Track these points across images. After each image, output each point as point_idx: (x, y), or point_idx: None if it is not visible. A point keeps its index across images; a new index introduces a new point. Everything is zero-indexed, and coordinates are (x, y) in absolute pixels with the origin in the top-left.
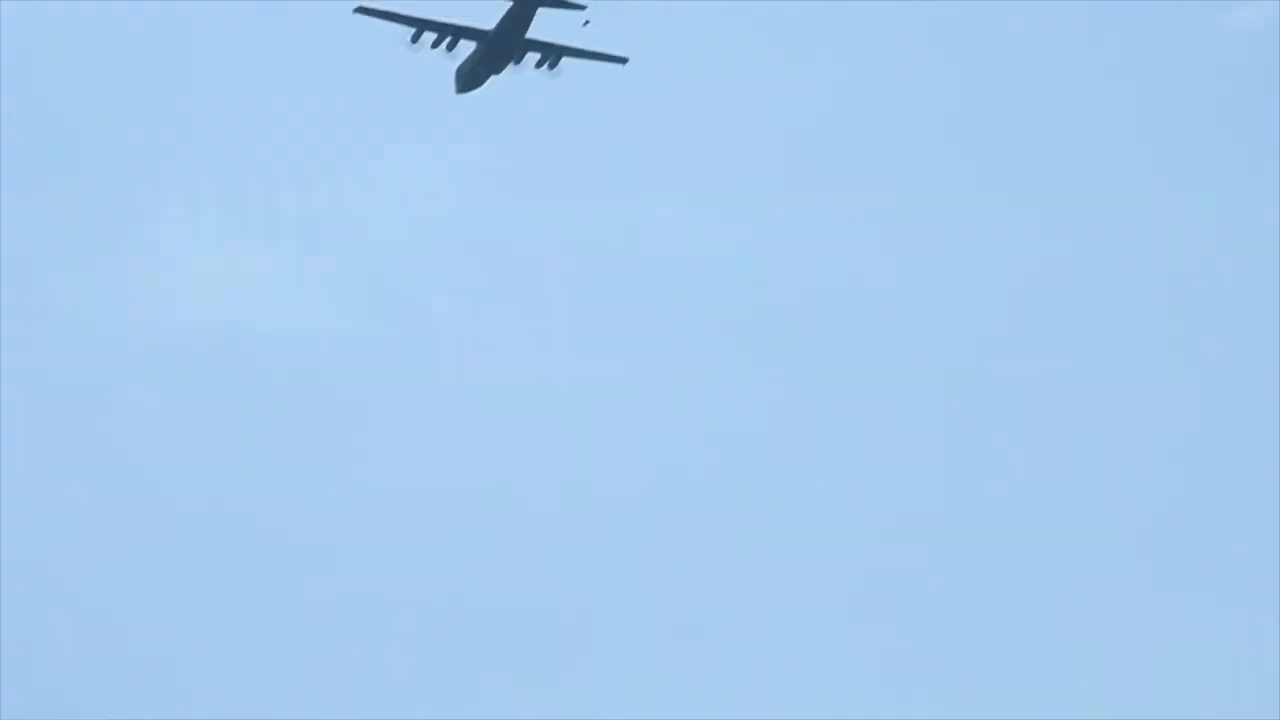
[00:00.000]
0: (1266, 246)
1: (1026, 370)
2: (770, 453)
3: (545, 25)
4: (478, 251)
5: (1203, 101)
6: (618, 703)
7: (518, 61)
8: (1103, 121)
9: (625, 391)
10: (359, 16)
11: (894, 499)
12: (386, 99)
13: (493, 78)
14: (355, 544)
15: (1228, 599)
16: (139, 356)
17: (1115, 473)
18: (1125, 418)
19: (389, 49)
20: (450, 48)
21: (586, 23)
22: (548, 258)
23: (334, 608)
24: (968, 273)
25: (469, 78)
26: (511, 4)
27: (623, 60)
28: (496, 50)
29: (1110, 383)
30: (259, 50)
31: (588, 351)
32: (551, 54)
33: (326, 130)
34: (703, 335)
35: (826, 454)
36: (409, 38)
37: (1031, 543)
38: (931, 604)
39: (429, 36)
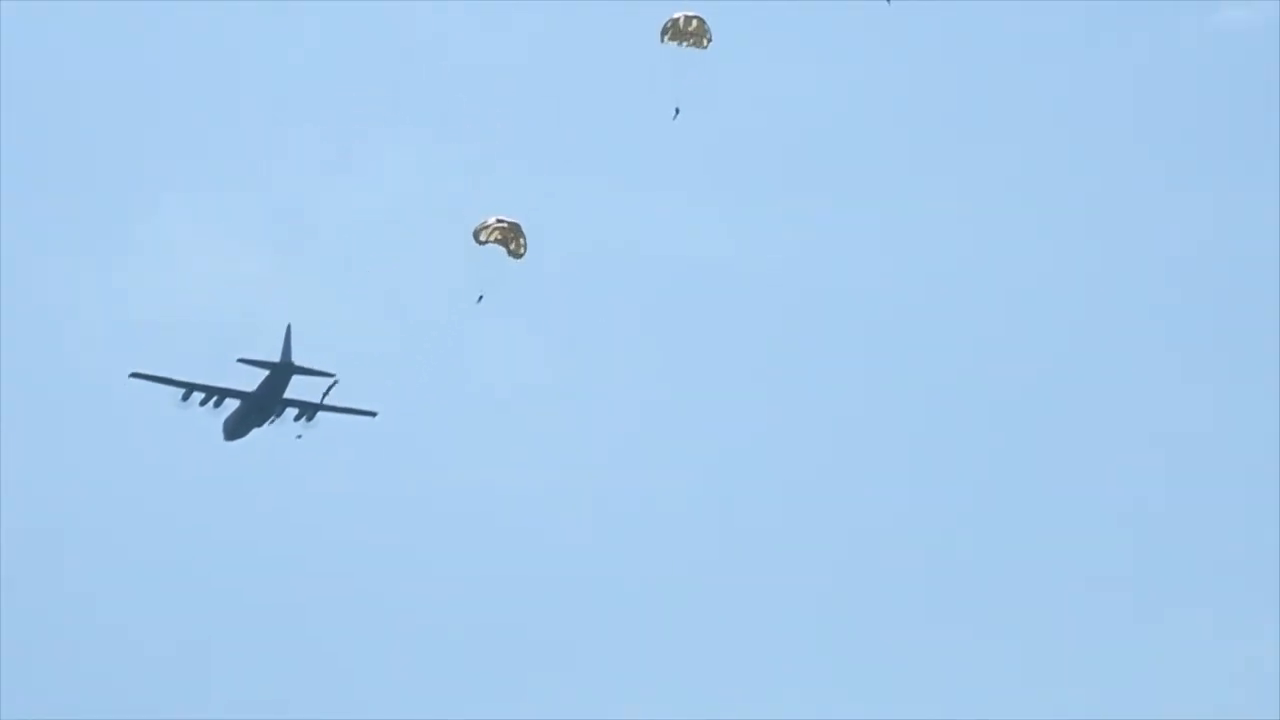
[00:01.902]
0: (1263, 245)
1: (1025, 370)
2: (771, 453)
3: (301, 385)
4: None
5: (1195, 101)
6: (617, 703)
7: (278, 416)
8: (1096, 120)
9: (625, 392)
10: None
11: (894, 500)
12: None
13: (256, 429)
14: (353, 544)
15: (1227, 599)
16: (132, 355)
17: (1116, 473)
18: (1125, 418)
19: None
20: (217, 405)
21: (677, 113)
22: (547, 258)
23: (331, 607)
24: (965, 272)
25: (235, 429)
26: (269, 372)
27: (372, 414)
28: (257, 408)
29: (1107, 383)
30: (254, 48)
31: (588, 352)
32: (308, 409)
33: (322, 128)
34: (702, 335)
35: (827, 455)
36: (180, 397)
37: (1032, 543)
38: (930, 605)
39: (198, 395)
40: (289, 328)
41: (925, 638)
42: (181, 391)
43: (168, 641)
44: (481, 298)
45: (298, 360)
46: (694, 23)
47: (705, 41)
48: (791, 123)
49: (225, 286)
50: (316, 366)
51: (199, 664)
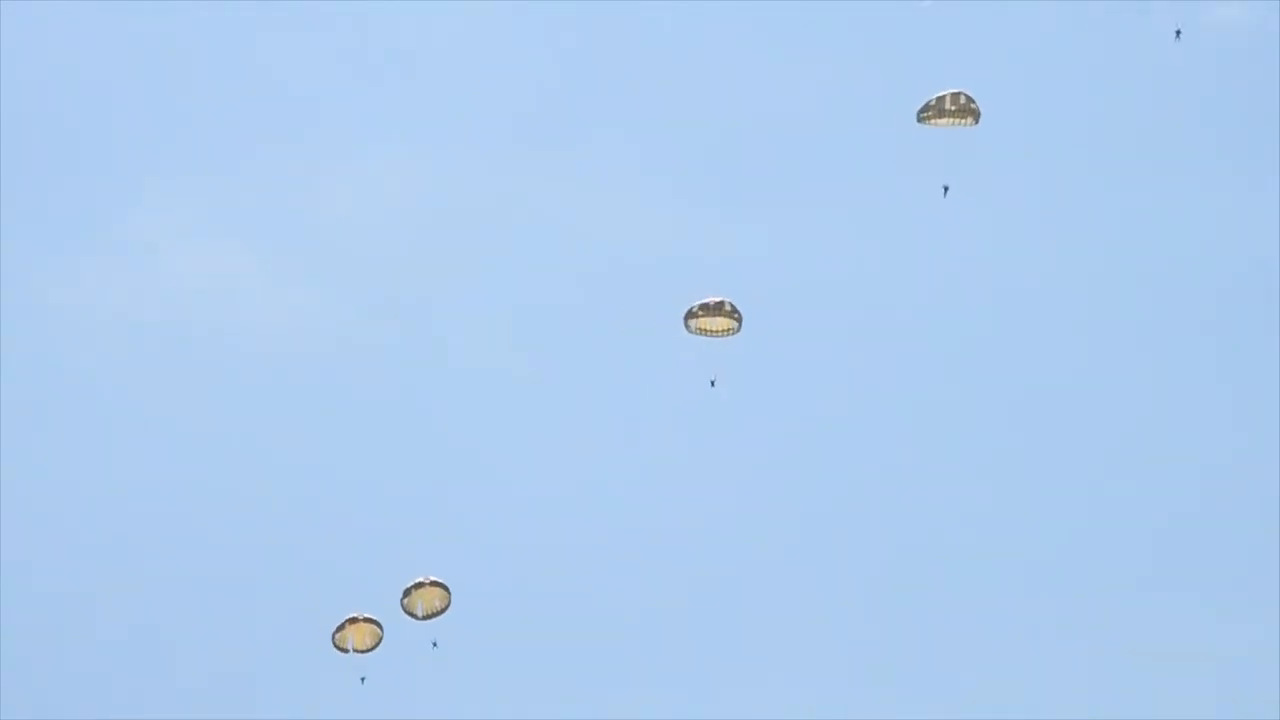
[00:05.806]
0: (1258, 246)
1: (1023, 370)
2: (774, 457)
3: None
4: (474, 249)
5: (1184, 99)
6: (618, 702)
7: None
8: (1086, 120)
9: (625, 394)
10: None
11: (895, 499)
12: None
13: None
14: (350, 544)
15: (1228, 599)
16: (121, 355)
17: (1117, 473)
18: (1128, 419)
19: None
20: None
21: (946, 190)
22: (546, 256)
23: (326, 608)
24: (962, 273)
25: None
26: None
27: None
28: None
29: (1106, 384)
30: (243, 45)
31: (586, 353)
32: None
33: (316, 124)
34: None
35: (831, 458)
36: None
37: (1035, 544)
38: (934, 605)
39: None
40: None
41: (924, 638)
42: None
43: None
44: (714, 382)
45: None
46: (961, 99)
47: (972, 119)
48: (795, 122)
49: (209, 285)
50: None
51: None
